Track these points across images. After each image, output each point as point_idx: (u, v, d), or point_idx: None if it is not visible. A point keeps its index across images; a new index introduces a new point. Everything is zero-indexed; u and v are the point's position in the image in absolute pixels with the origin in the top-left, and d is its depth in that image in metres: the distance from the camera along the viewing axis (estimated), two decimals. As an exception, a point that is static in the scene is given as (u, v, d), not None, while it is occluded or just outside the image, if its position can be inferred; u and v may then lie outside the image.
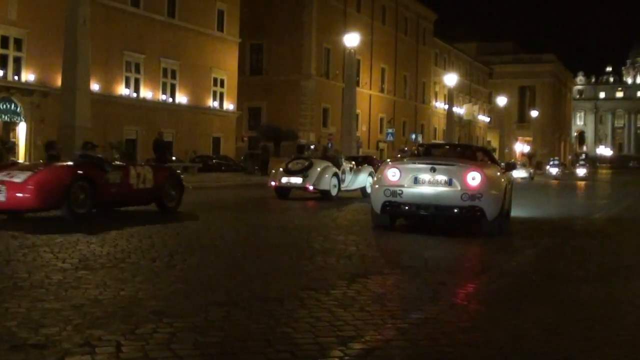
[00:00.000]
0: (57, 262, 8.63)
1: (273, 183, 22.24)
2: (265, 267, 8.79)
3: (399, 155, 28.86)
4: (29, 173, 13.05)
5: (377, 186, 13.16)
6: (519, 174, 49.58)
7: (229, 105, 54.33)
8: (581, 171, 66.14)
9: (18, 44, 37.84)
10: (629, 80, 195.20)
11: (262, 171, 42.22)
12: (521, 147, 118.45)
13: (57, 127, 33.57)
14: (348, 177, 23.39)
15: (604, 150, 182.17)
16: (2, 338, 5.15)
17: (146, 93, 45.84)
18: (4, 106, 37.28)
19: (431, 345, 5.33)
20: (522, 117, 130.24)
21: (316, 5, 62.30)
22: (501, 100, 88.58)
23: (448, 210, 12.54)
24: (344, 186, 22.97)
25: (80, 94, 32.51)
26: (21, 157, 38.29)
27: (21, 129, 38.54)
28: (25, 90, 37.98)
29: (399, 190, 12.62)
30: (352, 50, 42.01)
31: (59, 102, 33.58)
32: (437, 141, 79.31)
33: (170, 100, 48.29)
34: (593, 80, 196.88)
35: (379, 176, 13.30)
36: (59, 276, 7.68)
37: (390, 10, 77.98)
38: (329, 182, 21.72)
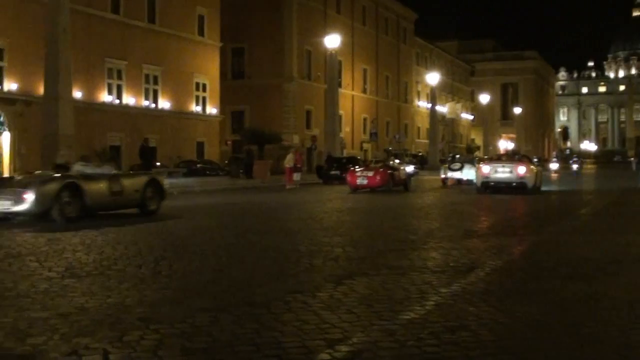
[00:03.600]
0: (43, 270, 8.62)
1: (443, 176, 36.52)
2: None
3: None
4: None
5: (478, 173, 28.53)
6: None
7: (211, 110, 54.18)
8: (575, 166, 69.46)
9: (0, 53, 37.65)
10: (611, 75, 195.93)
11: (247, 174, 41.72)
12: (505, 144, 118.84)
13: (41, 135, 33.55)
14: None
15: (588, 145, 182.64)
16: (-11, 349, 5.14)
17: (129, 99, 45.67)
18: (-13, 116, 37.12)
19: (418, 345, 5.35)
20: (506, 114, 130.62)
21: (296, 8, 62.15)
22: (484, 98, 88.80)
23: (510, 184, 27.24)
24: None
25: (63, 103, 32.36)
26: (5, 166, 38.10)
27: (5, 139, 38.30)
28: (8, 99, 37.77)
29: (488, 175, 27.64)
30: (333, 52, 42.01)
31: (42, 111, 33.48)
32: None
33: (153, 105, 48.09)
34: (575, 75, 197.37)
35: (479, 168, 29.11)
36: (45, 285, 7.68)
37: (370, 10, 78.05)
38: (473, 175, 34.59)
